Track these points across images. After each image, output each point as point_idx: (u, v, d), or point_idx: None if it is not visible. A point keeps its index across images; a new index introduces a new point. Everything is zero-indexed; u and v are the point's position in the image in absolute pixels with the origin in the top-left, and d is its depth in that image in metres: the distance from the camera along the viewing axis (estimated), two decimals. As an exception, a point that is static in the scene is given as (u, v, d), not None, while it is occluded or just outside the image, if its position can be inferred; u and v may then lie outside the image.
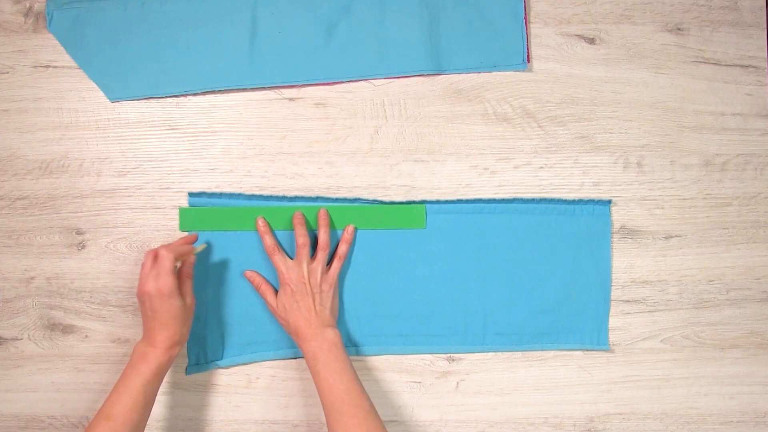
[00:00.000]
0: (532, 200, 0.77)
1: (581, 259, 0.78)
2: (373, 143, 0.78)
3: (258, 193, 0.77)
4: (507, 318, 0.77)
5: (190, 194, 0.76)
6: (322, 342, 0.69)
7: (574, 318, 0.78)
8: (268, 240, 0.74)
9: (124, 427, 0.63)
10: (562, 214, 0.78)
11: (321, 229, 0.75)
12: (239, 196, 0.76)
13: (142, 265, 0.69)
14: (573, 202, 0.78)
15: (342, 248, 0.75)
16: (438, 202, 0.77)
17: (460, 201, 0.77)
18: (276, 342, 0.77)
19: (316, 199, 0.77)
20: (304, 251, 0.73)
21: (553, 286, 0.78)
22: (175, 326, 0.68)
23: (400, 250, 0.77)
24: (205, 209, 0.76)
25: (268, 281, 0.75)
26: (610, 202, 0.78)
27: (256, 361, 0.77)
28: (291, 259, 0.74)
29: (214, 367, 0.76)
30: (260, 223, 0.75)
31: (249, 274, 0.76)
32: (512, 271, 0.77)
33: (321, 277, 0.73)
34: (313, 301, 0.72)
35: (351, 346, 0.77)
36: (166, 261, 0.68)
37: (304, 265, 0.73)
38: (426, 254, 0.77)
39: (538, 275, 0.77)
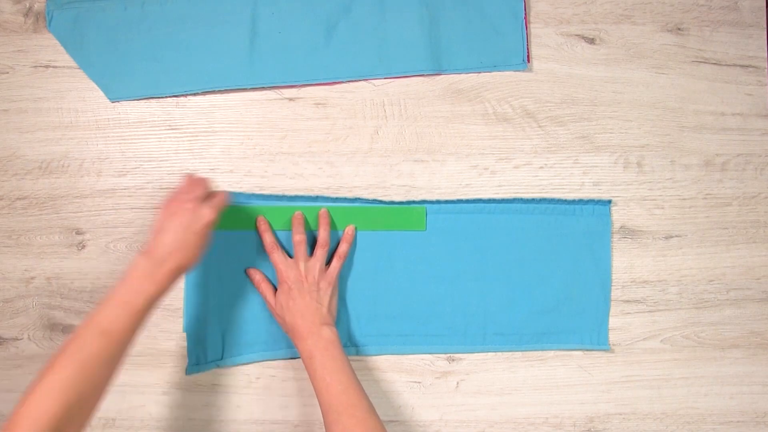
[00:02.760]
0: (532, 200, 0.77)
1: (581, 259, 0.78)
2: (373, 143, 0.78)
3: (258, 192, 0.77)
4: (507, 318, 0.77)
5: None
6: (319, 340, 0.68)
7: (574, 318, 0.78)
8: (268, 238, 0.74)
9: (120, 346, 0.60)
10: (562, 214, 0.78)
11: (321, 227, 0.75)
12: (238, 195, 0.76)
13: (184, 181, 0.70)
14: (573, 202, 0.78)
15: (342, 247, 0.75)
16: (438, 202, 0.77)
17: (459, 201, 0.77)
18: (276, 342, 0.76)
19: (316, 198, 0.77)
20: (301, 248, 0.73)
21: (553, 286, 0.77)
22: (195, 253, 0.66)
23: (400, 250, 0.77)
24: None
25: (268, 279, 0.75)
26: (610, 202, 0.78)
27: (256, 361, 0.77)
28: (291, 257, 0.74)
29: (214, 366, 0.76)
30: (260, 221, 0.75)
31: (250, 271, 0.76)
32: (512, 271, 0.77)
33: (319, 275, 0.72)
34: (311, 298, 0.71)
35: (351, 345, 0.77)
36: (224, 197, 0.70)
37: (302, 263, 0.73)
38: (425, 254, 0.77)
39: (538, 275, 0.77)
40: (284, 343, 0.76)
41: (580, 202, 0.78)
